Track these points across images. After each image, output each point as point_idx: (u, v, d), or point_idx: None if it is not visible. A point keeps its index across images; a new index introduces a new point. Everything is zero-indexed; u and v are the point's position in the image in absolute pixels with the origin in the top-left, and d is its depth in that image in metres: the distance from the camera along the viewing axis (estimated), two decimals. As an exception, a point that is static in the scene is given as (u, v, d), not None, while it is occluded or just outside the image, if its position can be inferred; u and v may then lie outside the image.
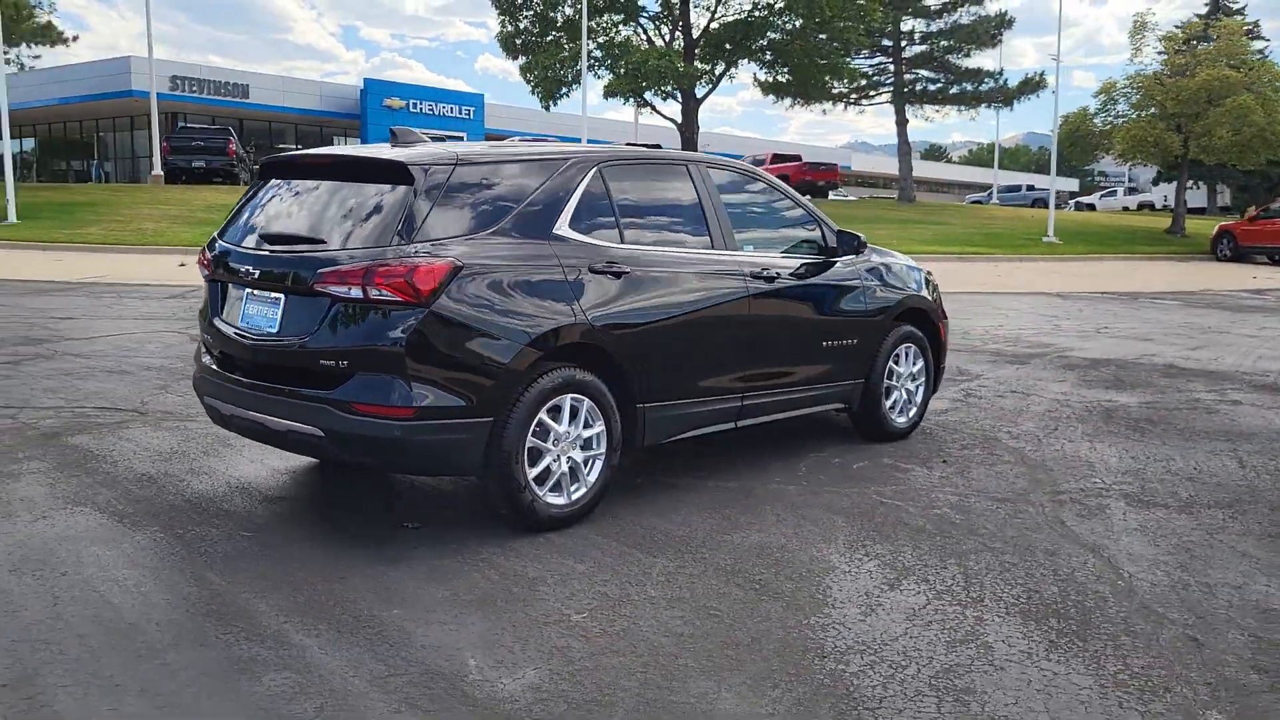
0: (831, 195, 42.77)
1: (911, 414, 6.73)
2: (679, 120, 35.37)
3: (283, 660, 3.41)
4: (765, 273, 5.60)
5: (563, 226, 4.80)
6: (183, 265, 19.28)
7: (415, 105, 54.85)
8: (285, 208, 4.82)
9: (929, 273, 7.12)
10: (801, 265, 5.94)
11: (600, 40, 34.98)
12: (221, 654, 3.45)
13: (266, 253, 4.67)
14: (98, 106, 50.98)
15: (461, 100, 57.21)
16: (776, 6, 33.43)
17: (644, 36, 35.31)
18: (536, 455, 4.63)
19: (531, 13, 34.32)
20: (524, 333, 4.49)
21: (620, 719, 3.11)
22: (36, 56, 32.33)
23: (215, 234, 5.12)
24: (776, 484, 5.59)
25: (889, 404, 6.52)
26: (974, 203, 59.56)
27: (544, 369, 4.61)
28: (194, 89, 49.48)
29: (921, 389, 6.78)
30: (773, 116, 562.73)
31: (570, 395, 4.71)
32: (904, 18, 40.71)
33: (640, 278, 5.00)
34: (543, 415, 4.61)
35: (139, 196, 29.98)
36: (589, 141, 30.07)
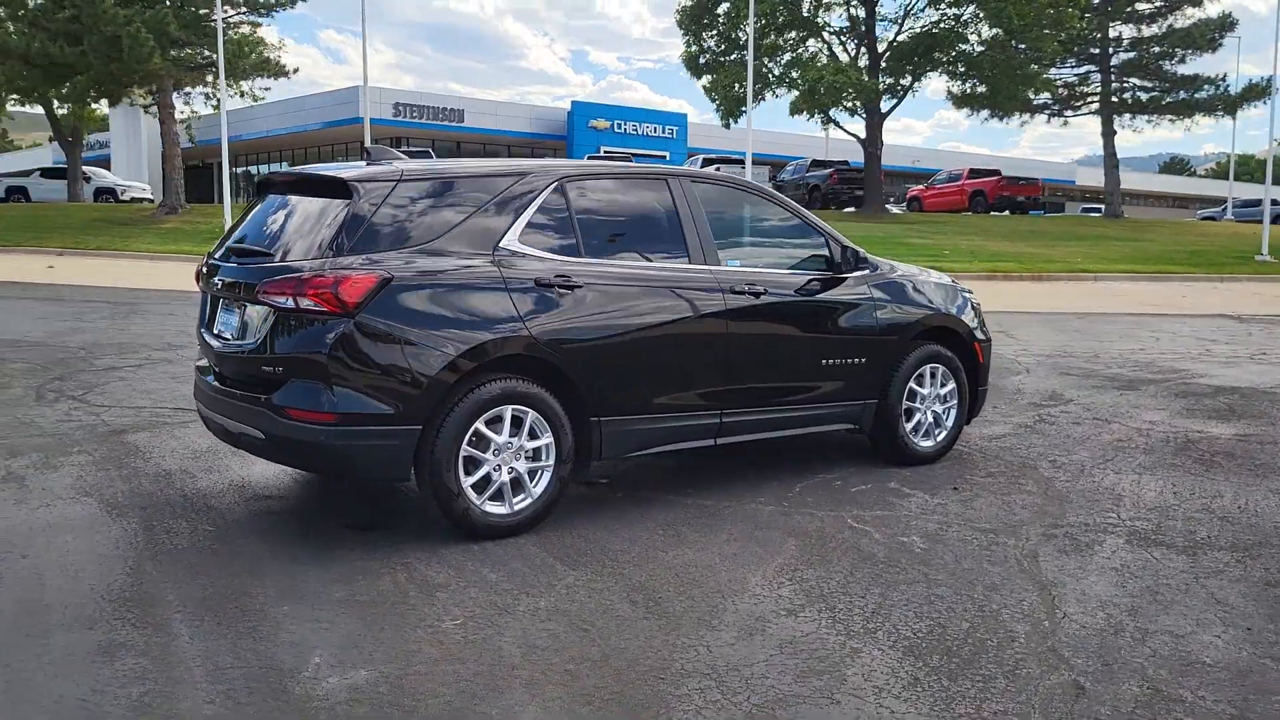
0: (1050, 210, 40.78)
1: (940, 438, 6.42)
2: (863, 135, 34.71)
3: (147, 647, 3.63)
4: (750, 288, 5.49)
5: (512, 240, 4.88)
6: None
7: (619, 125, 56.41)
8: (258, 222, 5.11)
9: (968, 290, 6.79)
10: (799, 281, 5.80)
11: (785, 58, 34.82)
12: (100, 638, 3.70)
13: (235, 265, 4.97)
14: (333, 133, 54.67)
15: (664, 120, 58.27)
16: (963, 18, 32.34)
17: (829, 52, 34.86)
18: (475, 464, 4.71)
19: (715, 33, 34.53)
20: (455, 344, 4.59)
21: (409, 723, 3.16)
22: (267, 89, 34.98)
23: (211, 248, 5.48)
24: (757, 503, 5.46)
25: (910, 426, 6.25)
26: (1205, 218, 55.43)
27: (481, 380, 4.69)
28: (414, 115, 52.44)
29: (953, 412, 6.46)
30: (1003, 130, 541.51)
31: (512, 406, 4.77)
32: (1112, 24, 38.52)
33: (597, 291, 5.01)
34: (480, 425, 4.69)
35: (339, 215, 31.91)
36: (752, 158, 29.94)
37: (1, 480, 5.65)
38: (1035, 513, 5.41)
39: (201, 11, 29.53)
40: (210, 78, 32.98)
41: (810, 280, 5.85)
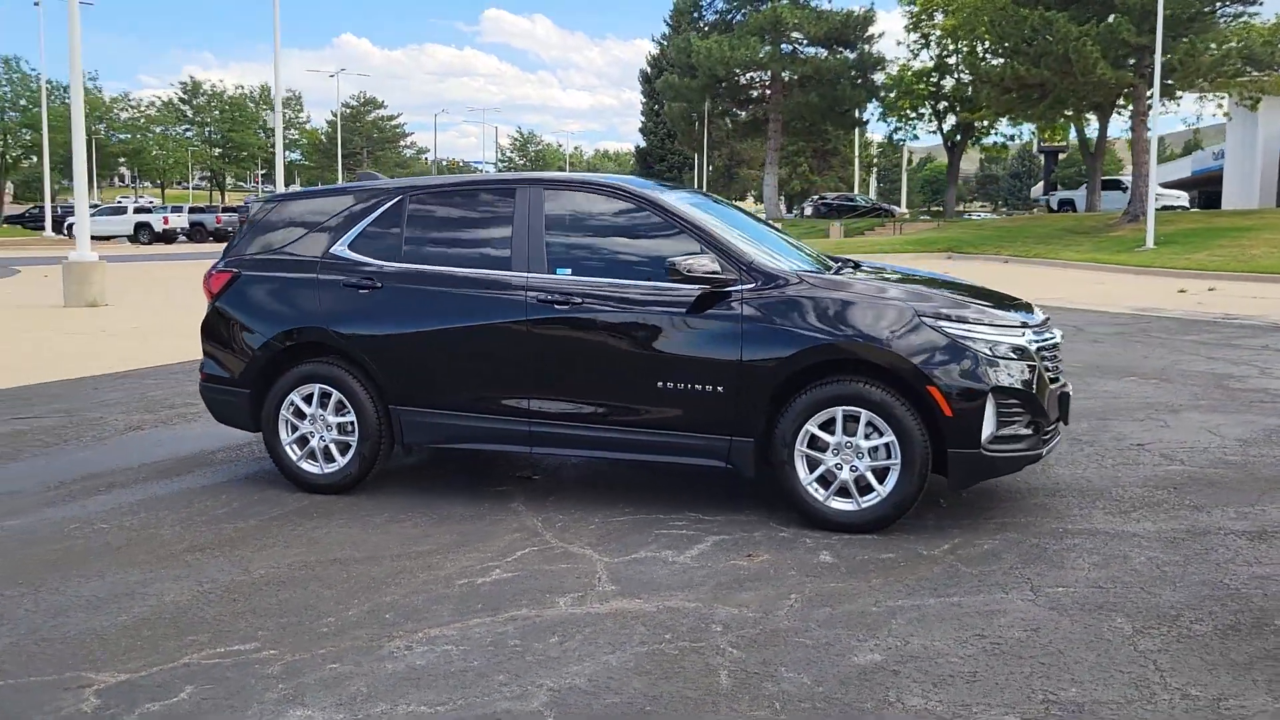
0: None
1: (869, 503, 4.97)
2: None
3: None
4: (561, 298, 5.34)
5: (340, 247, 5.83)
6: (1182, 291, 18.75)
7: None
8: None
9: (984, 321, 5.02)
10: (640, 293, 5.28)
11: None
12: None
13: None
14: None
15: None
16: None
17: None
18: (294, 428, 5.87)
19: None
20: (269, 328, 5.86)
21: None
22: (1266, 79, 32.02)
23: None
24: (534, 523, 5.27)
25: (812, 477, 5.06)
26: None
27: (299, 360, 5.83)
28: None
29: (893, 474, 4.93)
30: None
31: (319, 385, 5.78)
32: None
33: (396, 293, 5.64)
34: (295, 397, 5.83)
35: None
36: None
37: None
38: (707, 602, 4.28)
39: (1167, 14, 28.53)
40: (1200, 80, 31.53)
41: (656, 293, 5.26)
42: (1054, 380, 5.33)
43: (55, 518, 5.44)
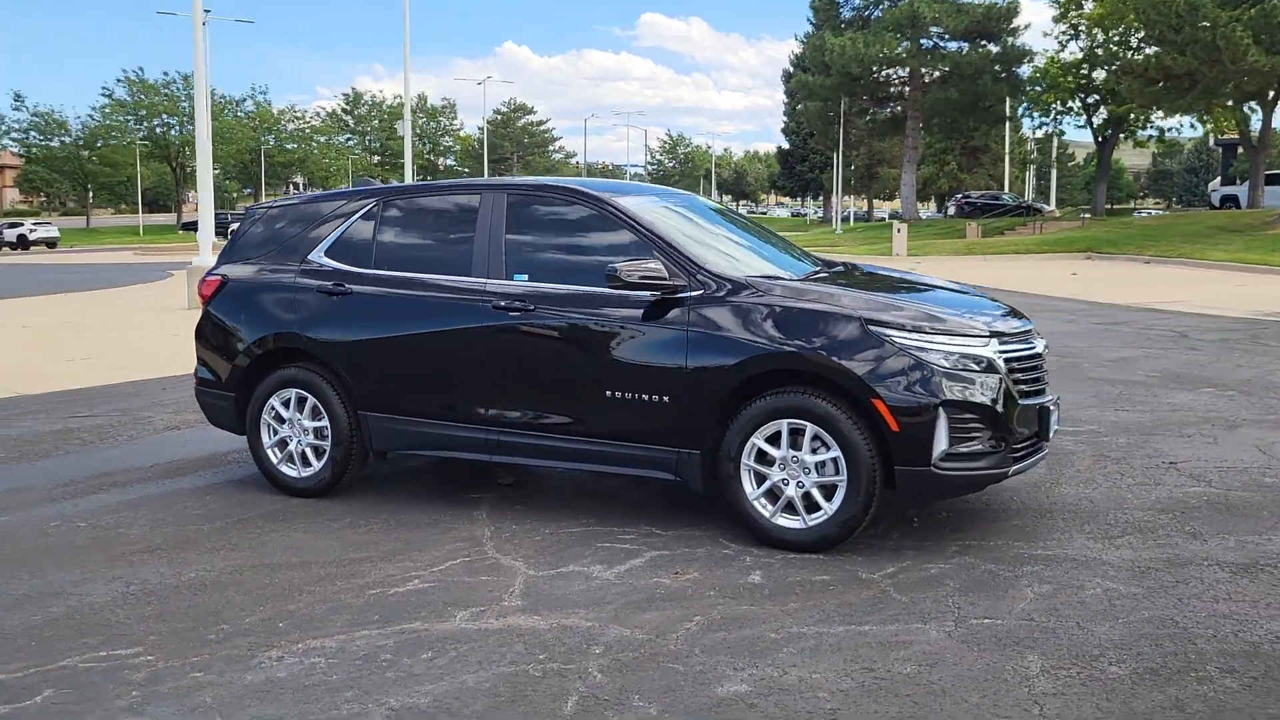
0: None
1: (815, 521, 4.72)
2: None
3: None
4: (515, 305, 5.25)
5: (318, 253, 5.89)
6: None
7: None
8: None
9: (947, 333, 4.71)
10: (593, 298, 5.14)
11: None
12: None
13: None
14: None
15: None
16: None
17: None
18: (274, 432, 5.97)
19: None
20: (250, 333, 5.96)
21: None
22: None
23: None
24: (466, 537, 5.26)
25: (759, 493, 4.84)
26: None
27: (277, 365, 5.92)
28: None
29: (840, 491, 4.67)
30: None
31: (294, 390, 5.86)
32: None
33: (364, 299, 5.66)
34: (274, 401, 5.93)
35: None
36: None
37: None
38: (605, 621, 4.13)
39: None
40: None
41: (607, 298, 5.11)
42: (1034, 394, 4.96)
43: (42, 515, 5.66)
